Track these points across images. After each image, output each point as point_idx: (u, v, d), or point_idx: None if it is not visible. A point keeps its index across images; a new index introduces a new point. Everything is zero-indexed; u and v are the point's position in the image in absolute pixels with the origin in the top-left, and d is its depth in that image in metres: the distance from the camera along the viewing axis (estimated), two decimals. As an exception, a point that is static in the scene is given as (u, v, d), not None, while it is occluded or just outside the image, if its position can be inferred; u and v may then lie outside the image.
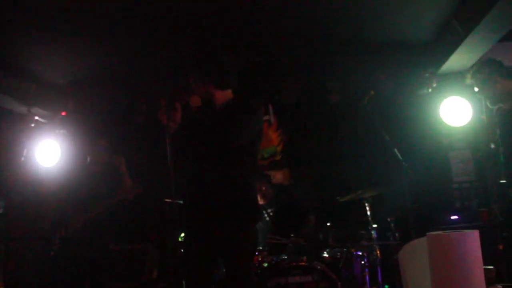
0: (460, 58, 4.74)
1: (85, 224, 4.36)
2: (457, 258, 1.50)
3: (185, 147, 2.95)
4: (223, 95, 2.98)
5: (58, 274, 4.36)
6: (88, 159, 4.64)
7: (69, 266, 4.27)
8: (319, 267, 3.93)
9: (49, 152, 5.41)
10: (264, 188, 5.10)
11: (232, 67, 3.04)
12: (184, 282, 3.10)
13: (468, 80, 3.76)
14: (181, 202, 3.06)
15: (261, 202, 5.07)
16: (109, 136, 5.09)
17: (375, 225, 4.33)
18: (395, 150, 3.99)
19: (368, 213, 4.38)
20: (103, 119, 5.83)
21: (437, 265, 1.55)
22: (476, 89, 3.75)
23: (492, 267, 2.08)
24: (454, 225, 4.64)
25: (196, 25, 4.36)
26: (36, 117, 5.47)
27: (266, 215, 5.04)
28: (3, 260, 5.09)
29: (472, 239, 1.53)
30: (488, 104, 3.69)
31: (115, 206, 4.48)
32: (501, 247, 3.27)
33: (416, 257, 1.81)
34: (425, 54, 5.11)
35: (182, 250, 3.80)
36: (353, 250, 4.28)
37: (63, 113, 5.65)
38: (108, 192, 4.46)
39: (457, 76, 5.19)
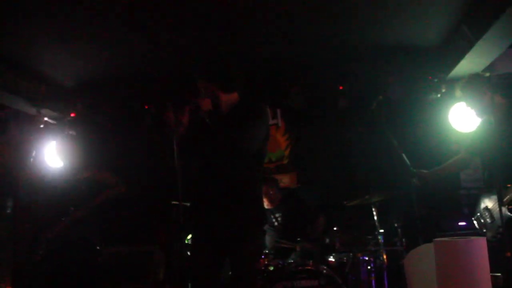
0: (470, 64, 4.71)
1: (69, 226, 4.38)
2: (464, 265, 1.49)
3: (192, 150, 2.97)
4: (229, 98, 3.00)
5: (45, 278, 4.38)
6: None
7: (56, 270, 4.28)
8: (325, 271, 3.91)
9: (57, 153, 5.43)
10: (272, 192, 5.10)
11: (238, 70, 3.05)
12: (190, 284, 3.11)
13: (458, 93, 3.92)
14: (188, 204, 3.07)
15: (269, 206, 5.07)
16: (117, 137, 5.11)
17: (382, 230, 4.30)
18: (403, 155, 3.97)
19: (375, 218, 4.36)
20: (111, 121, 5.86)
21: (443, 271, 1.54)
22: (464, 102, 3.88)
23: (499, 274, 2.07)
24: (461, 232, 4.61)
25: (204, 28, 4.37)
26: (45, 118, 5.51)
27: (274, 219, 5.04)
28: (11, 261, 5.11)
29: (479, 246, 1.52)
30: (476, 116, 3.82)
31: (103, 205, 4.52)
32: (508, 254, 3.23)
33: (421, 263, 1.80)
34: (434, 59, 5.09)
35: (188, 252, 3.80)
36: (359, 255, 4.26)
37: (72, 115, 5.69)
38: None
39: (467, 81, 5.16)
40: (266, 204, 5.08)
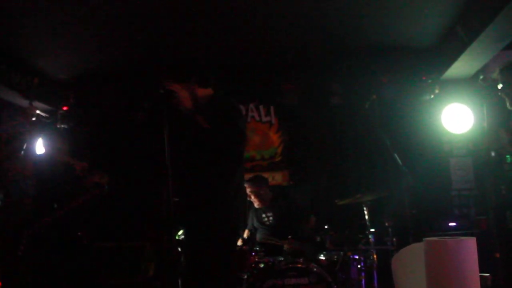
0: (463, 65, 4.73)
1: (54, 223, 4.35)
2: (453, 265, 1.49)
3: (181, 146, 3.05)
4: (204, 93, 3.12)
5: (33, 273, 4.34)
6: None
7: (43, 265, 4.25)
8: (315, 269, 3.91)
9: (48, 146, 5.39)
10: (262, 192, 5.07)
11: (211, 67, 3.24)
12: (180, 280, 3.10)
13: (495, 75, 3.64)
14: (177, 199, 3.08)
15: (260, 206, 5.05)
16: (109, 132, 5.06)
17: (372, 230, 4.31)
18: (395, 155, 3.98)
19: (366, 217, 4.37)
20: (104, 115, 5.82)
21: (433, 271, 1.54)
22: (500, 86, 3.53)
23: (488, 274, 2.08)
24: (451, 232, 4.63)
25: (198, 25, 4.36)
26: (38, 111, 5.47)
27: (265, 218, 5.03)
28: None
29: (469, 246, 1.53)
30: (508, 105, 3.60)
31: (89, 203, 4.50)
32: (498, 255, 3.25)
33: (410, 263, 1.80)
34: (428, 60, 5.11)
35: (179, 248, 3.80)
36: (350, 253, 4.26)
37: (65, 108, 5.65)
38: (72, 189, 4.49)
39: (460, 83, 5.19)
40: (257, 204, 5.07)
